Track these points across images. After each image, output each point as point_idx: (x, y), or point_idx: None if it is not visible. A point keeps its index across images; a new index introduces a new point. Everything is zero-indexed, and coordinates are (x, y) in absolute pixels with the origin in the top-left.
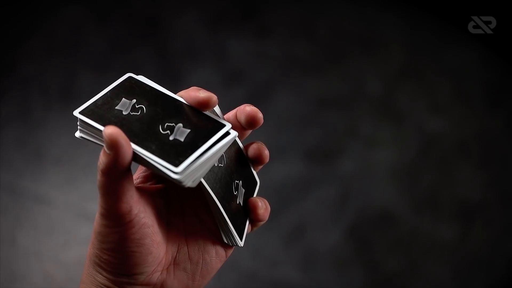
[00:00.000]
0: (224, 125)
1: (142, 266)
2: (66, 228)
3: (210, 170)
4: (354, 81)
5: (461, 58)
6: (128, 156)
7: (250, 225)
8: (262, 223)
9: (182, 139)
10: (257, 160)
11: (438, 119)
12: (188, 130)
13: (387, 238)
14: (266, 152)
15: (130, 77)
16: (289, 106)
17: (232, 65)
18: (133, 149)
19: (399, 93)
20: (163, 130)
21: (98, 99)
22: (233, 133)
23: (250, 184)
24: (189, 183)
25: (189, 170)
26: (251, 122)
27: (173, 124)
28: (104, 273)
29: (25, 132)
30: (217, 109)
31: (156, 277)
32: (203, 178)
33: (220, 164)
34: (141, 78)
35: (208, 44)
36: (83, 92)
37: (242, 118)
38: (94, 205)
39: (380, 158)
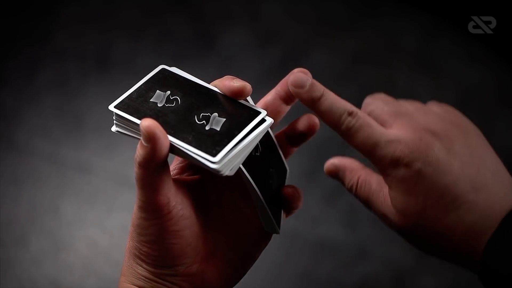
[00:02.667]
0: (259, 112)
1: (181, 257)
2: (108, 195)
3: (248, 159)
4: (389, 36)
5: None
6: (165, 148)
7: (284, 213)
8: (295, 210)
9: (218, 129)
10: (310, 131)
11: (476, 69)
12: (224, 119)
13: None
14: (317, 121)
15: (163, 69)
16: (325, 64)
17: (265, 25)
18: (170, 141)
19: (435, 45)
20: (199, 120)
21: (132, 92)
22: (269, 120)
23: (281, 172)
24: (227, 171)
25: (226, 159)
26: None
27: (209, 114)
28: (144, 265)
29: (64, 101)
30: (248, 98)
31: (196, 267)
32: (243, 167)
33: (256, 153)
34: (174, 69)
35: (241, 5)
36: (118, 59)
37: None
38: None
39: None
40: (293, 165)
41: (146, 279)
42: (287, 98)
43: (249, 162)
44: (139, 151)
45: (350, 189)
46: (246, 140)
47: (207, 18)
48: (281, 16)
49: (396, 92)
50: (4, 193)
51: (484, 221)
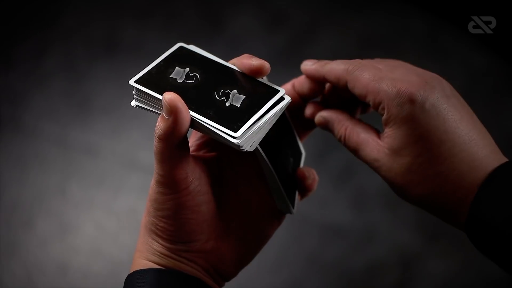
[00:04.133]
0: (278, 91)
1: (197, 233)
2: (116, 178)
3: (264, 139)
4: (397, 20)
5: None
6: (186, 122)
7: (299, 194)
8: (310, 193)
9: (238, 105)
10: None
11: (484, 55)
12: (243, 96)
13: None
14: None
15: (181, 46)
16: (333, 48)
17: (274, 8)
18: (191, 115)
19: (443, 30)
20: (219, 96)
21: (152, 68)
22: (288, 98)
23: (296, 155)
24: (247, 147)
25: (247, 135)
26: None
27: (228, 90)
28: (160, 241)
29: (71, 83)
30: (264, 78)
31: (211, 244)
32: (260, 146)
33: (271, 133)
34: (192, 47)
35: None
36: (126, 42)
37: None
38: (143, 154)
39: None
40: None
41: (162, 255)
42: (301, 96)
43: (265, 141)
44: (160, 125)
45: (339, 140)
46: (266, 117)
47: (215, 2)
48: (289, 0)
49: None
50: (11, 176)
51: (476, 172)
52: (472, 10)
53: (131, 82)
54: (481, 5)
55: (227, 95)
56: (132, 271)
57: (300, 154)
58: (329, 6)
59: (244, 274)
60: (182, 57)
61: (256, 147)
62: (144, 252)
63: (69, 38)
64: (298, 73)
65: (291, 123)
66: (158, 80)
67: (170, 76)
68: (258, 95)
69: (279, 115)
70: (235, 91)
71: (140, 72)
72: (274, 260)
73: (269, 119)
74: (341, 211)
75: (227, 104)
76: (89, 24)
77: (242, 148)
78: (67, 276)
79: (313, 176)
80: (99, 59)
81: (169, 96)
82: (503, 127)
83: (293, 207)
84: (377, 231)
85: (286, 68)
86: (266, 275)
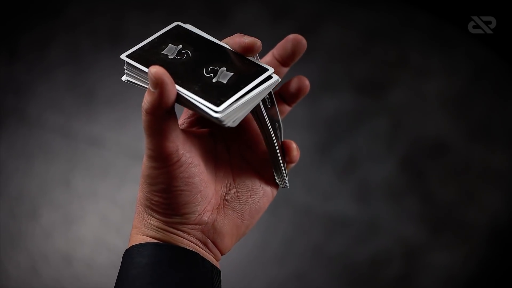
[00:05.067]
0: (267, 69)
1: (192, 205)
2: (120, 168)
3: (265, 109)
4: (402, 11)
5: None
6: (172, 94)
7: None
8: (293, 165)
9: (224, 81)
10: (301, 91)
11: (483, 55)
12: (231, 74)
13: (440, 168)
14: (307, 82)
15: (178, 25)
16: (338, 40)
17: (278, 0)
18: (176, 90)
19: (448, 21)
20: (207, 73)
21: (145, 44)
22: (275, 77)
23: (280, 128)
24: (229, 123)
25: (229, 110)
26: (296, 47)
27: (217, 67)
28: (156, 215)
29: (76, 74)
30: (257, 57)
31: (207, 216)
32: (267, 116)
33: (269, 105)
34: (189, 26)
35: None
36: (131, 33)
37: (288, 46)
38: None
39: (431, 88)
40: (305, 140)
41: (159, 229)
42: (283, 61)
43: (267, 114)
44: (146, 98)
45: None
46: (251, 94)
47: None
48: None
49: (408, 68)
50: (16, 166)
51: None
52: (472, 10)
53: (123, 56)
54: (481, 5)
55: (215, 72)
56: (129, 246)
57: (281, 127)
58: None
59: (249, 265)
60: (177, 35)
61: (262, 116)
62: (141, 228)
63: (74, 29)
64: (303, 65)
65: (274, 98)
66: (149, 55)
67: (162, 52)
68: (246, 73)
69: (266, 93)
70: (224, 68)
71: (133, 47)
72: (278, 252)
73: (254, 96)
74: (346, 203)
75: (214, 80)
76: (94, 15)
77: (224, 123)
78: (72, 266)
79: (296, 147)
80: (103, 50)
81: (154, 70)
82: (503, 127)
83: (288, 180)
84: (381, 223)
85: None
86: (271, 266)
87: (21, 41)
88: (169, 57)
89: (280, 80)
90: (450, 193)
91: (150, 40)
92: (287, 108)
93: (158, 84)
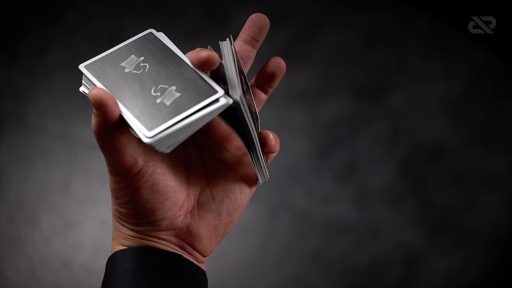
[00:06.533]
0: (216, 92)
1: (161, 211)
2: None
3: (248, 104)
4: (401, 16)
5: None
6: (115, 113)
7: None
8: (273, 155)
9: (168, 103)
10: (278, 70)
11: (487, 51)
12: (179, 94)
13: (440, 173)
14: (284, 63)
15: (150, 33)
16: (337, 44)
17: (277, 5)
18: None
19: (447, 25)
20: (155, 92)
21: (110, 53)
22: (222, 101)
23: (257, 118)
24: (162, 148)
25: (161, 136)
26: (261, 25)
27: (167, 86)
28: (128, 225)
29: (75, 80)
30: (230, 67)
31: (179, 221)
32: (242, 104)
33: (248, 97)
34: (160, 35)
35: None
36: (130, 37)
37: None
38: None
39: (430, 92)
40: (304, 145)
41: (133, 238)
42: (252, 41)
43: (248, 108)
44: (92, 120)
45: None
46: (189, 119)
47: None
48: None
49: (408, 72)
50: (15, 171)
51: None
52: (472, 10)
53: (81, 66)
54: (481, 5)
55: (163, 91)
56: (112, 253)
57: (258, 118)
58: (332, 3)
59: (248, 270)
60: (144, 45)
61: (240, 106)
62: (118, 239)
63: (73, 34)
64: (302, 70)
65: (249, 85)
66: (107, 67)
67: (121, 65)
68: (193, 94)
69: (211, 118)
70: (174, 87)
71: (95, 57)
72: (278, 256)
73: (194, 122)
74: (345, 208)
75: (158, 100)
76: (93, 20)
77: (156, 149)
78: (71, 271)
79: (274, 136)
80: None
81: (94, 92)
82: (503, 127)
83: (268, 173)
84: (380, 227)
85: (289, 65)
86: (270, 271)
87: (21, 45)
88: (126, 70)
89: (230, 103)
90: (449, 198)
91: (117, 48)
92: (263, 97)
93: (99, 106)
